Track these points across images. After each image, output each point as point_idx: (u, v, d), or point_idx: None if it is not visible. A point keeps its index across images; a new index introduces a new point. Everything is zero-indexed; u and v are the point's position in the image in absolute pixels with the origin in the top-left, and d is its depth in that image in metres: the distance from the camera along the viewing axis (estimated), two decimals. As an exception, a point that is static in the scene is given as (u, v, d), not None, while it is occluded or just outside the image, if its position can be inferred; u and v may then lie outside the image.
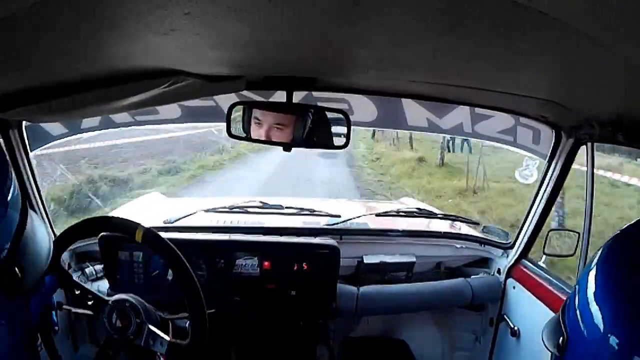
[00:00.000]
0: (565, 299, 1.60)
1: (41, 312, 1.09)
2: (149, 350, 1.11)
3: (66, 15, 0.68)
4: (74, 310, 1.15)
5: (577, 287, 0.65)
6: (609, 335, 0.55)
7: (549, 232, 1.94)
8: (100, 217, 1.13)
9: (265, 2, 0.65)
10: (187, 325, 1.10)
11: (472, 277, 2.07)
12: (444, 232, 2.15)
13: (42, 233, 0.76)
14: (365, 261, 1.98)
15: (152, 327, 1.09)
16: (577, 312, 0.62)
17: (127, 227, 1.09)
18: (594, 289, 0.61)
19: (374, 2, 0.63)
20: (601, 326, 0.56)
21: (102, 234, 1.65)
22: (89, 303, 1.13)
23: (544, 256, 1.96)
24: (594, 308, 0.59)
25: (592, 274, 0.62)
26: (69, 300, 1.84)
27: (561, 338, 0.64)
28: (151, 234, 1.06)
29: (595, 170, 1.65)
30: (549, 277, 1.78)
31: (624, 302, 0.57)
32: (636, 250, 0.62)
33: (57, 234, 1.62)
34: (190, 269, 1.03)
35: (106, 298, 1.12)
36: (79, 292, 1.14)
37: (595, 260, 0.64)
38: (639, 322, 0.54)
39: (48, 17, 0.67)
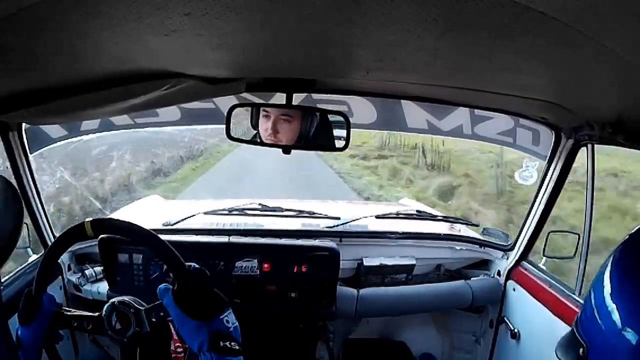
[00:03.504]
0: (565, 301, 1.61)
1: (47, 330, 1.08)
2: (161, 336, 1.10)
3: (66, 16, 0.67)
4: (74, 315, 1.14)
5: (591, 292, 0.65)
6: (630, 331, 0.55)
7: (548, 233, 1.93)
8: (52, 246, 1.11)
9: (265, 1, 0.65)
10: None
11: (472, 279, 2.07)
12: (444, 234, 2.15)
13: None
14: (365, 263, 1.98)
15: (147, 307, 1.08)
16: (595, 317, 0.62)
17: (76, 230, 1.07)
18: (610, 291, 0.60)
19: (374, 1, 0.63)
20: (620, 325, 0.57)
21: (102, 236, 1.65)
22: (89, 328, 1.13)
23: (544, 258, 1.96)
24: (612, 308, 0.59)
25: (606, 277, 0.62)
26: (68, 303, 1.85)
27: (581, 349, 0.64)
28: (99, 220, 1.05)
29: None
30: (549, 279, 1.78)
31: None
32: None
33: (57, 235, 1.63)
34: (152, 233, 1.02)
35: (97, 314, 1.11)
36: (76, 323, 1.13)
37: (608, 264, 0.64)
38: None
39: (48, 18, 0.67)
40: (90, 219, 1.05)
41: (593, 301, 0.63)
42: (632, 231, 0.66)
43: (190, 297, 0.98)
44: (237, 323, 0.98)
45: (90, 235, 1.03)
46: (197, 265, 1.02)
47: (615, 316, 0.58)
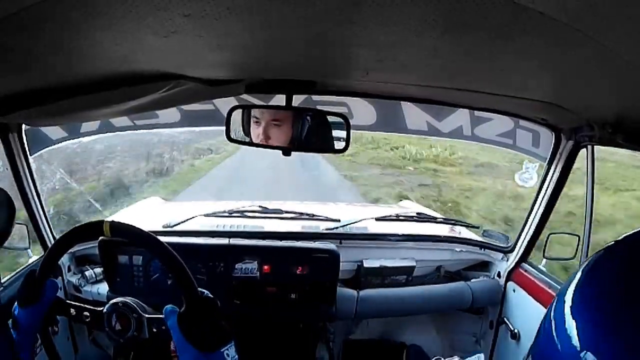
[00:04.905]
0: None
1: (45, 315, 1.08)
2: (157, 344, 1.10)
3: (66, 16, 0.67)
4: (74, 304, 1.14)
5: (553, 304, 0.62)
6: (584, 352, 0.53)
7: (548, 235, 1.93)
8: (66, 234, 1.10)
9: (266, 2, 0.65)
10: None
11: (472, 280, 2.07)
12: (444, 236, 2.15)
13: None
14: (365, 265, 1.98)
15: (150, 316, 1.07)
16: (552, 332, 0.60)
17: (93, 226, 1.06)
18: (570, 312, 0.57)
19: (374, 1, 0.63)
20: (579, 348, 0.54)
21: (101, 237, 1.65)
22: (87, 320, 1.12)
23: (544, 259, 1.95)
24: (572, 330, 0.56)
25: (568, 295, 0.60)
26: (67, 299, 1.84)
27: None
28: (119, 224, 1.04)
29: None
30: (549, 280, 1.78)
31: (600, 321, 0.54)
32: (616, 268, 0.59)
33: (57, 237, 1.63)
34: (171, 250, 1.01)
35: (99, 309, 1.11)
36: (75, 312, 1.13)
37: (572, 282, 0.61)
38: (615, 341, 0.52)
39: (48, 18, 0.67)
40: (110, 219, 1.04)
41: (553, 322, 0.60)
42: (600, 251, 0.62)
43: (195, 324, 0.97)
44: (237, 357, 0.97)
45: (107, 235, 1.03)
46: (209, 294, 1.01)
47: (575, 339, 0.54)
